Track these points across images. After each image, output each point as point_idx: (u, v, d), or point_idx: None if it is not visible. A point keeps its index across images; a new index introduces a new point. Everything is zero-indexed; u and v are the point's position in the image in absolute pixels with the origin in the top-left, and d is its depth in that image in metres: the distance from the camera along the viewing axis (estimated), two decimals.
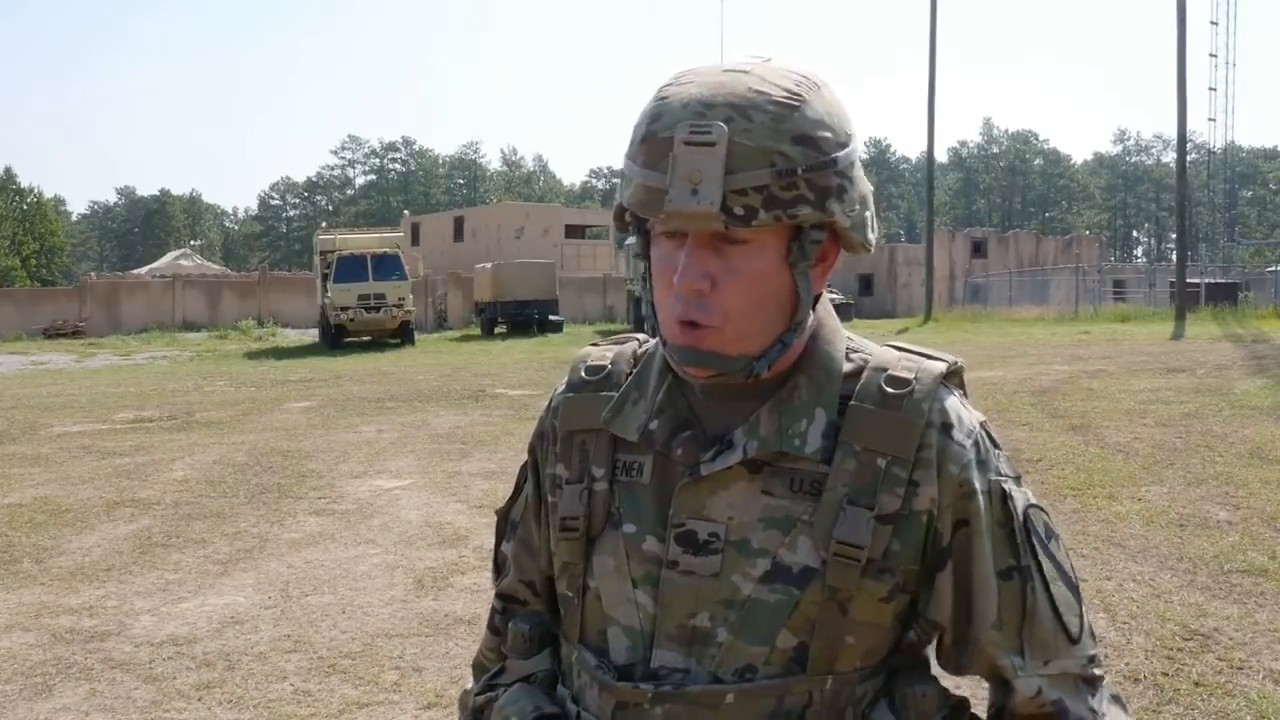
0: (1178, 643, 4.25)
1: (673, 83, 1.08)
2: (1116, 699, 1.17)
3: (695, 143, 1.01)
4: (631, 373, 1.23)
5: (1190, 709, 3.70)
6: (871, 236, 1.13)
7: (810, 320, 1.15)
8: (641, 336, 1.30)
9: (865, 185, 1.11)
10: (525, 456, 1.33)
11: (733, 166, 1.01)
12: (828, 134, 1.05)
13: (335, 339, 26.18)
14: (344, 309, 25.98)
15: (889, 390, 1.12)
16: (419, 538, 6.42)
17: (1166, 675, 3.96)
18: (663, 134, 1.03)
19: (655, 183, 1.03)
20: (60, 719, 3.96)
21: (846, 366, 1.15)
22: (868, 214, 1.11)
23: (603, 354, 1.27)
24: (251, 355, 25.08)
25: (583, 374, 1.25)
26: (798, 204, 1.03)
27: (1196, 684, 3.88)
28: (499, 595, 1.36)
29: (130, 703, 4.06)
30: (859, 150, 1.11)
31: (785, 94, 1.04)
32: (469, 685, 1.38)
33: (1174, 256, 51.69)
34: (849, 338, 1.19)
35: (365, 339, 26.85)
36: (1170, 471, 7.34)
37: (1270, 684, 3.86)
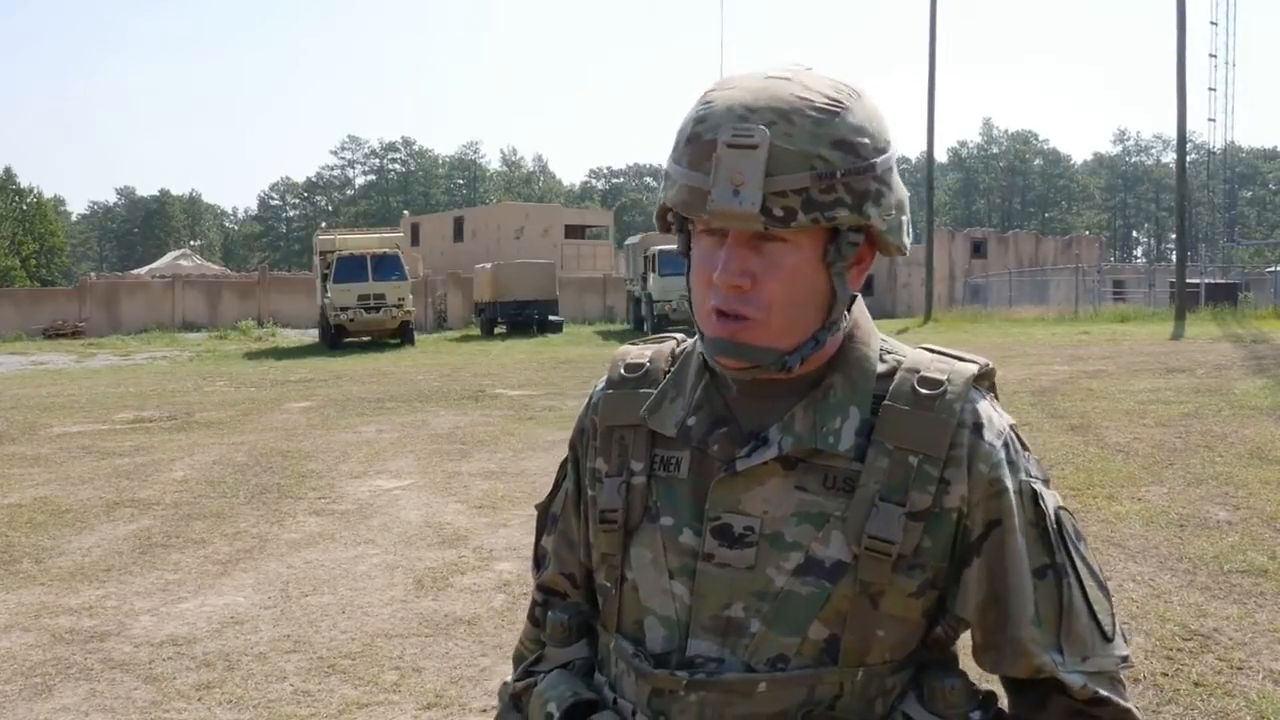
0: (1178, 643, 4.26)
1: (717, 88, 1.12)
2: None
3: (738, 145, 1.05)
4: (670, 370, 1.26)
5: (1190, 709, 3.70)
6: (906, 240, 1.16)
7: (846, 321, 1.19)
8: (680, 335, 1.34)
9: (902, 191, 1.15)
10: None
11: (773, 169, 1.04)
12: (866, 140, 1.09)
13: (335, 339, 26.17)
14: (344, 309, 25.98)
15: (922, 391, 1.15)
16: (419, 538, 6.42)
17: (1166, 675, 3.96)
18: (707, 136, 1.07)
19: (698, 183, 1.07)
20: (60, 719, 3.96)
21: (880, 367, 1.18)
22: (904, 218, 1.15)
23: (641, 352, 1.31)
24: (251, 355, 25.09)
25: (622, 371, 1.30)
26: (836, 207, 1.07)
27: (1196, 684, 3.88)
28: (539, 587, 1.40)
29: (130, 703, 4.06)
30: (895, 158, 1.13)
31: (827, 100, 1.08)
32: (509, 677, 1.42)
33: (1174, 257, 51.77)
34: (883, 339, 1.23)
35: (365, 339, 26.85)
36: (1170, 471, 7.34)
37: (1270, 684, 3.86)
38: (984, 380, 1.20)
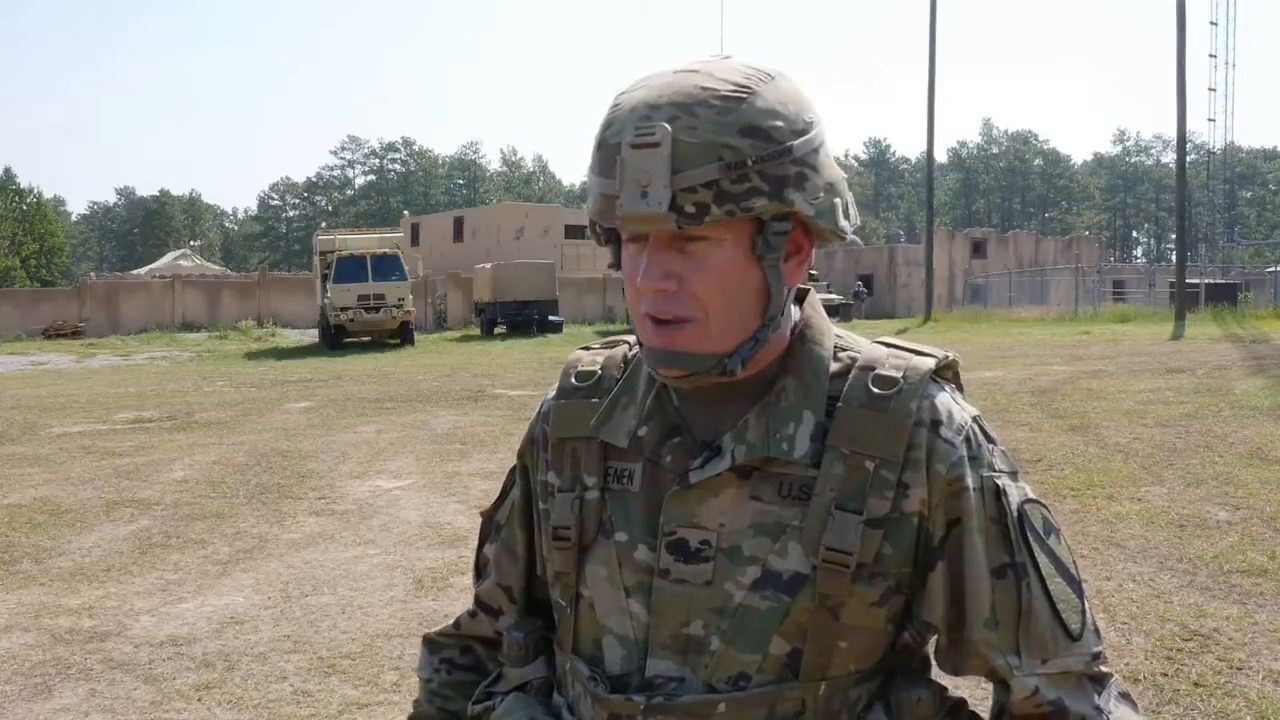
0: (1178, 643, 4.26)
1: (627, 90, 1.08)
2: (1125, 696, 1.14)
3: (640, 145, 1.01)
4: (621, 377, 1.22)
5: (1190, 709, 3.70)
6: (844, 223, 1.09)
7: (796, 319, 1.15)
8: (632, 339, 1.28)
9: (833, 172, 1.09)
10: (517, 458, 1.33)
11: (679, 165, 1.00)
12: (779, 123, 1.03)
13: (335, 339, 26.18)
14: (344, 309, 25.99)
15: (875, 390, 1.10)
16: (419, 538, 6.42)
17: (1166, 675, 3.96)
18: (612, 140, 1.04)
19: (609, 189, 1.04)
20: (60, 719, 3.96)
21: (834, 366, 1.14)
22: (837, 200, 1.09)
23: (593, 359, 1.26)
24: (251, 356, 25.09)
25: (573, 380, 1.25)
26: (751, 196, 1.02)
27: (1196, 684, 3.88)
28: (476, 599, 1.36)
29: (130, 703, 4.06)
30: (823, 138, 1.08)
31: (732, 87, 1.03)
32: (418, 663, 1.44)
33: (1174, 257, 51.77)
34: (838, 335, 1.18)
35: (365, 339, 26.85)
36: (1170, 471, 7.34)
37: (1270, 684, 3.86)
38: (945, 372, 1.15)
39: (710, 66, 1.06)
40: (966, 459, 1.10)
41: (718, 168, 1.00)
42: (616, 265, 1.13)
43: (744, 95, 1.03)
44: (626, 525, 1.15)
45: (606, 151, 1.05)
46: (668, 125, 1.01)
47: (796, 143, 1.04)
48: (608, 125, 1.06)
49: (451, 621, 1.40)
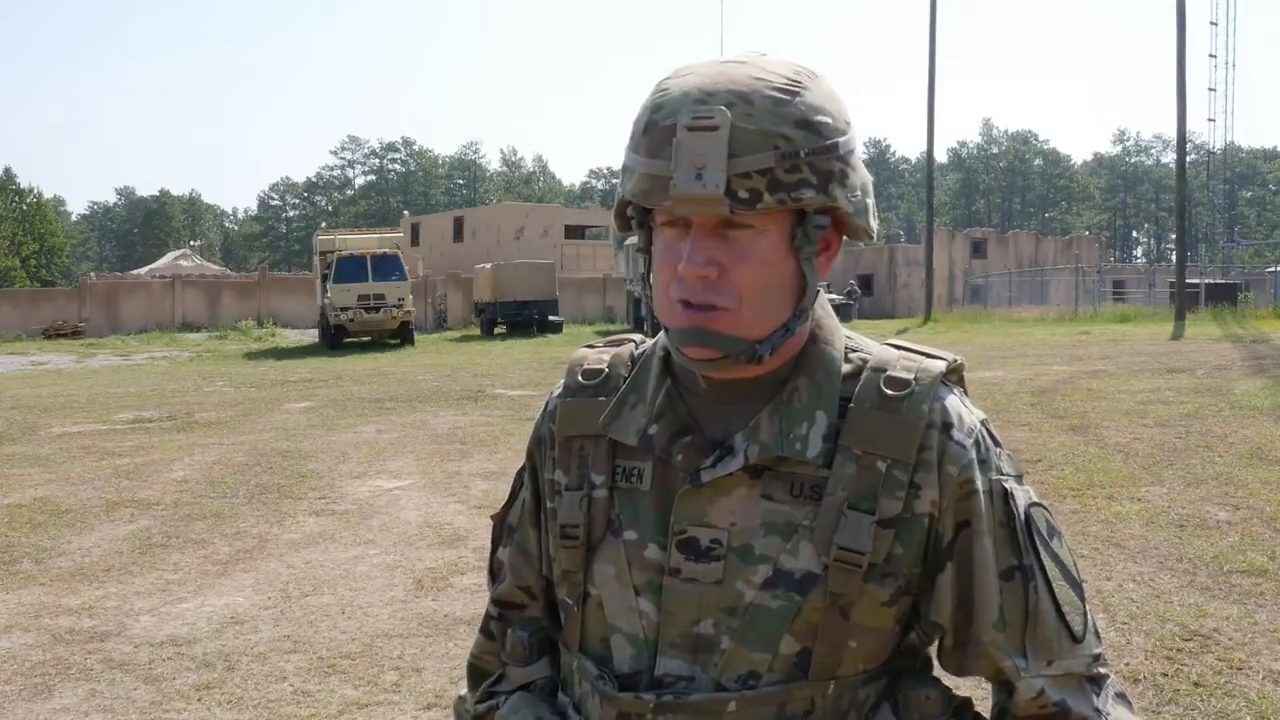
0: (1178, 643, 4.26)
1: (672, 75, 1.09)
2: (1122, 697, 1.16)
3: (698, 128, 1.02)
4: (629, 376, 1.22)
5: (1190, 709, 3.70)
6: (873, 224, 1.13)
7: (811, 317, 1.16)
8: (638, 337, 1.28)
9: (865, 174, 1.12)
10: (524, 458, 1.32)
11: (736, 150, 1.01)
12: (827, 119, 1.06)
13: (335, 339, 26.18)
14: (344, 309, 25.98)
15: (888, 392, 1.11)
16: (419, 538, 6.42)
17: (1166, 675, 3.96)
18: (664, 122, 1.04)
19: (659, 170, 1.04)
20: (60, 719, 3.96)
21: (846, 367, 1.15)
22: (869, 201, 1.11)
23: (599, 357, 1.26)
24: (251, 356, 25.08)
25: (579, 378, 1.24)
26: (801, 187, 1.04)
27: (1196, 684, 3.88)
28: (495, 601, 1.35)
29: (130, 703, 4.06)
30: (857, 141, 1.11)
31: (785, 80, 1.05)
32: (463, 690, 1.38)
33: (1174, 257, 51.75)
34: (849, 336, 1.19)
35: (365, 339, 26.85)
36: (1170, 472, 7.34)
37: (1270, 684, 3.86)
38: (953, 376, 1.17)
39: (757, 60, 1.08)
40: (976, 462, 1.11)
41: (773, 156, 1.02)
42: (646, 248, 1.13)
43: (797, 89, 1.05)
44: (636, 524, 1.15)
45: (657, 134, 1.04)
46: (726, 110, 1.01)
47: (841, 140, 1.07)
48: (657, 108, 1.05)
49: (479, 643, 1.37)
